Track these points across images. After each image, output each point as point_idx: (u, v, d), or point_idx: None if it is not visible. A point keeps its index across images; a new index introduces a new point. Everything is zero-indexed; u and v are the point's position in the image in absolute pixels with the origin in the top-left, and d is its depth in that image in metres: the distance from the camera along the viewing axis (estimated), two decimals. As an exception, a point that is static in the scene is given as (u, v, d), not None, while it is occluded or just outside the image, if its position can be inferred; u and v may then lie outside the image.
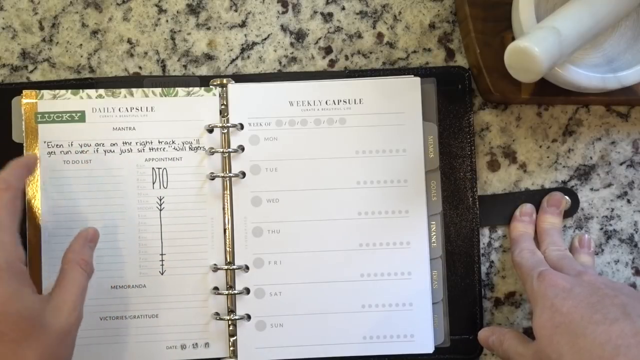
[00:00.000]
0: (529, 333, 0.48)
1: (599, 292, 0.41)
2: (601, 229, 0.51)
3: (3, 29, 0.50)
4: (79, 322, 0.41)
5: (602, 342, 0.37)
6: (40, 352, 0.38)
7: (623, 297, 0.40)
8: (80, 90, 0.48)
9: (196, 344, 0.48)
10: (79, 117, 0.48)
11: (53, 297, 0.41)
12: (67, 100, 0.48)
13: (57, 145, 0.48)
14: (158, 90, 0.48)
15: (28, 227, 0.47)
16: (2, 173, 0.42)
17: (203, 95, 0.49)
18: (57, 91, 0.48)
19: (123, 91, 0.48)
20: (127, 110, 0.48)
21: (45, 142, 0.48)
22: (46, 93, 0.48)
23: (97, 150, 0.48)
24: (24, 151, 0.48)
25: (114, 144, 0.48)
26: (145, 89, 0.48)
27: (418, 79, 0.49)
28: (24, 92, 0.48)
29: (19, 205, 0.41)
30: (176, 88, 0.49)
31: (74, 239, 0.44)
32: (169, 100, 0.48)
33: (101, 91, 0.48)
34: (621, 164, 0.51)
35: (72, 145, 0.48)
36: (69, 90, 0.48)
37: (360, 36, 0.51)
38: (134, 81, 0.49)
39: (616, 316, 0.38)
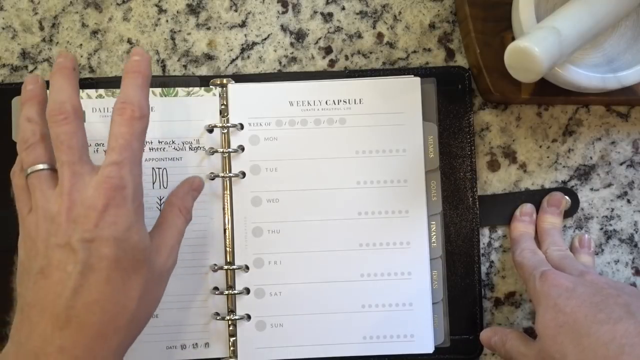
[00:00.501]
0: (529, 333, 0.48)
1: (602, 292, 0.41)
2: (601, 229, 0.51)
3: (3, 29, 0.50)
4: (174, 266, 0.42)
5: (607, 341, 0.37)
6: (143, 286, 0.39)
7: (626, 297, 0.40)
8: (80, 90, 0.48)
9: (196, 344, 0.48)
10: None
11: (154, 238, 0.41)
12: None
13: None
14: (158, 90, 0.48)
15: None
16: (132, 93, 0.40)
17: (203, 95, 0.49)
18: (57, 91, 0.48)
19: (123, 91, 0.48)
20: (127, 110, 0.48)
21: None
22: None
23: (97, 151, 0.48)
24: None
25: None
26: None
27: (418, 79, 0.49)
28: None
29: (146, 134, 0.40)
30: (176, 88, 0.49)
31: (179, 185, 0.45)
32: (169, 100, 0.48)
33: (101, 91, 0.48)
34: (621, 164, 0.51)
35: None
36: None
37: (360, 36, 0.51)
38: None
39: (620, 315, 0.38)
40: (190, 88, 0.49)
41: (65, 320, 0.36)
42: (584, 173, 0.51)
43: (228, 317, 0.48)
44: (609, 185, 0.51)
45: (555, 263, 0.46)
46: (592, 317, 0.39)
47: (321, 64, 0.51)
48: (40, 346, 0.36)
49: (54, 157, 0.40)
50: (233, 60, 0.51)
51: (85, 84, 0.49)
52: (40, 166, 0.40)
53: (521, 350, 0.43)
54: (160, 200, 0.48)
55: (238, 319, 0.48)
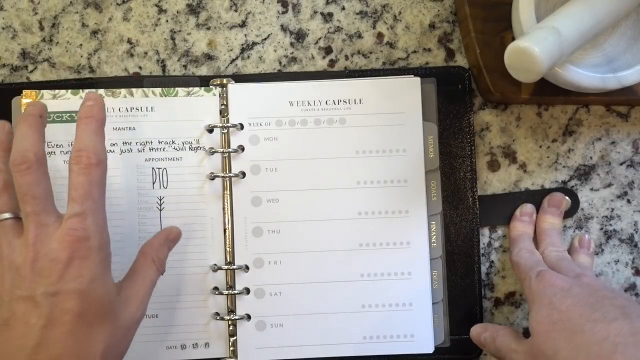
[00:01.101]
0: (528, 333, 0.48)
1: (598, 293, 0.41)
2: (601, 229, 0.51)
3: (3, 29, 0.50)
4: (142, 317, 0.41)
5: (600, 340, 0.37)
6: (108, 340, 0.38)
7: (622, 300, 0.40)
8: (80, 90, 0.48)
9: (196, 344, 0.48)
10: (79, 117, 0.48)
11: (123, 289, 0.41)
12: (67, 100, 0.48)
13: (57, 145, 0.48)
14: (158, 90, 0.48)
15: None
16: (87, 140, 0.39)
17: (203, 95, 0.49)
18: (57, 91, 0.48)
19: (123, 91, 0.48)
20: (127, 111, 0.48)
21: (45, 142, 0.48)
22: (46, 93, 0.48)
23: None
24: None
25: (114, 144, 0.48)
26: (145, 89, 0.48)
27: (418, 79, 0.49)
28: (24, 92, 0.48)
29: (105, 180, 0.40)
30: (176, 88, 0.49)
31: (156, 235, 0.45)
32: (169, 100, 0.48)
33: (101, 91, 0.48)
34: (621, 164, 0.51)
35: (72, 145, 0.48)
36: (69, 90, 0.48)
37: (360, 36, 0.51)
38: (134, 81, 0.49)
39: (615, 315, 0.38)
40: (190, 88, 0.49)
41: None
42: (584, 173, 0.51)
43: (228, 317, 0.48)
44: (609, 185, 0.51)
45: (552, 264, 0.46)
46: (587, 316, 0.39)
47: (321, 64, 0.51)
48: None
49: (18, 205, 0.39)
50: (233, 60, 0.51)
51: (85, 84, 0.49)
52: (5, 215, 0.39)
53: (512, 347, 0.43)
54: (160, 200, 0.48)
55: (238, 319, 0.48)
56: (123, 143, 0.48)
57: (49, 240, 0.37)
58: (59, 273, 0.37)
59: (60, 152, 0.48)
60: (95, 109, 0.41)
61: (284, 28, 0.51)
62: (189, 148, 0.48)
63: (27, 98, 0.48)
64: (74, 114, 0.48)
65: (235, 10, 0.51)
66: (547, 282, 0.42)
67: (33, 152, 0.39)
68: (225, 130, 0.49)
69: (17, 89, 0.49)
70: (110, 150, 0.48)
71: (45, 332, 0.36)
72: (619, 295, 0.41)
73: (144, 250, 0.44)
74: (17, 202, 0.39)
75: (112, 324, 0.39)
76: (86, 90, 0.48)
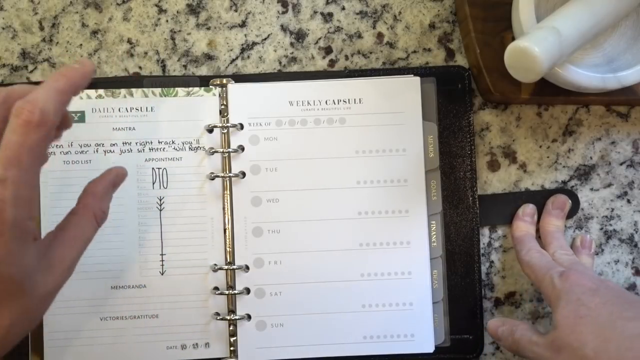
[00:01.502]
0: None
1: (627, 296, 0.41)
2: (601, 229, 0.51)
3: (3, 29, 0.50)
4: (66, 281, 0.37)
5: (632, 335, 0.37)
6: (16, 314, 0.34)
7: None
8: (80, 91, 0.48)
9: (196, 344, 0.48)
10: (79, 117, 0.48)
11: (51, 250, 0.36)
12: None
13: (57, 145, 0.48)
14: (158, 90, 0.48)
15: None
16: (40, 93, 0.33)
17: (203, 96, 0.49)
18: (56, 91, 0.48)
19: (123, 91, 0.48)
20: (127, 111, 0.48)
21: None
22: None
23: (97, 151, 0.48)
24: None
25: (113, 144, 0.48)
26: (145, 89, 0.48)
27: (418, 78, 0.49)
28: None
29: (47, 146, 0.34)
30: (176, 88, 0.49)
31: (99, 180, 0.39)
32: (169, 100, 0.48)
33: (101, 91, 0.48)
34: (621, 164, 0.51)
35: (72, 145, 0.48)
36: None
37: (360, 36, 0.51)
38: (133, 81, 0.49)
39: None
40: (190, 88, 0.49)
41: None
42: (584, 173, 0.51)
43: (228, 317, 0.48)
44: (609, 185, 0.51)
45: (565, 267, 0.45)
46: (618, 314, 0.39)
47: (321, 64, 0.51)
48: None
49: None
50: (233, 60, 0.51)
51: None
52: None
53: (533, 339, 0.42)
54: (160, 200, 0.48)
55: (238, 319, 0.48)
56: (123, 143, 0.48)
57: None
58: None
59: (60, 152, 0.48)
60: (74, 72, 0.35)
61: (284, 28, 0.51)
62: (189, 148, 0.48)
63: None
64: (73, 114, 0.48)
65: (235, 10, 0.51)
66: (574, 281, 0.42)
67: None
68: (225, 130, 0.49)
69: (17, 89, 0.48)
70: (110, 151, 0.48)
71: None
72: None
73: (85, 201, 0.38)
74: None
75: (25, 296, 0.34)
76: (86, 91, 0.48)
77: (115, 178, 0.40)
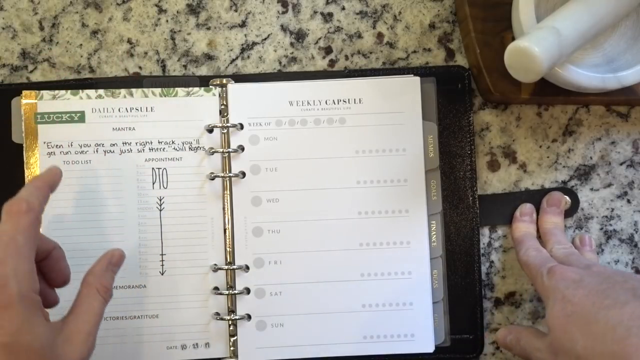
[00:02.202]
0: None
1: (609, 280, 0.41)
2: (601, 229, 0.51)
3: (3, 29, 0.50)
4: (91, 352, 0.39)
5: (614, 325, 0.37)
6: None
7: (633, 282, 0.40)
8: (80, 91, 0.48)
9: (196, 344, 0.48)
10: (79, 117, 0.48)
11: (66, 325, 0.38)
12: (67, 101, 0.48)
13: (56, 145, 0.48)
14: (158, 90, 0.48)
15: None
16: (24, 191, 0.38)
17: (203, 96, 0.49)
18: (56, 92, 0.48)
19: (123, 91, 0.48)
20: (127, 111, 0.48)
21: (45, 142, 0.48)
22: (46, 94, 0.48)
23: (97, 151, 0.48)
24: (24, 152, 0.48)
25: (113, 144, 0.48)
26: (145, 90, 0.48)
27: (418, 78, 0.49)
28: (24, 92, 0.48)
29: (38, 229, 0.38)
30: (176, 88, 0.49)
31: (97, 261, 0.42)
32: (169, 100, 0.48)
33: (101, 91, 0.48)
34: (621, 164, 0.51)
35: (72, 145, 0.48)
36: (69, 91, 0.48)
37: (360, 36, 0.51)
38: (133, 81, 0.49)
39: (627, 299, 0.39)
40: (190, 88, 0.49)
41: None
42: (584, 173, 0.51)
43: (228, 317, 0.48)
44: (609, 185, 0.51)
45: (561, 261, 0.45)
46: (599, 304, 0.39)
47: (321, 64, 0.51)
48: None
49: None
50: (233, 60, 0.51)
51: (85, 84, 0.49)
52: None
53: (535, 345, 0.43)
54: (160, 200, 0.48)
55: (238, 319, 0.48)
56: (123, 143, 0.48)
57: None
58: None
59: (60, 152, 0.48)
60: (48, 173, 0.40)
61: (284, 28, 0.51)
62: (189, 148, 0.48)
63: (26, 98, 0.48)
64: (73, 115, 0.48)
65: (235, 10, 0.51)
66: (559, 276, 0.42)
67: None
68: (225, 130, 0.49)
69: (17, 89, 0.49)
70: (110, 151, 0.48)
71: None
72: (630, 278, 0.41)
73: (87, 280, 0.41)
74: None
75: None
76: (86, 91, 0.48)
77: (110, 258, 0.42)
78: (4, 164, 0.48)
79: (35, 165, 0.48)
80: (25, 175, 0.48)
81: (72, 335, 0.38)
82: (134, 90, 0.48)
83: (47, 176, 0.40)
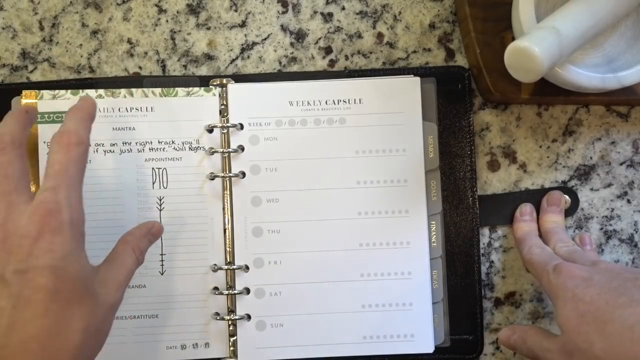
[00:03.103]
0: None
1: (619, 277, 0.40)
2: (601, 229, 0.51)
3: (3, 29, 0.50)
4: (120, 303, 0.40)
5: (632, 324, 0.37)
6: (87, 320, 0.36)
7: None
8: (80, 91, 0.48)
9: (196, 344, 0.48)
10: None
11: (101, 270, 0.39)
12: (67, 100, 0.48)
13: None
14: (158, 90, 0.48)
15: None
16: (71, 124, 0.39)
17: (203, 96, 0.49)
18: (57, 91, 0.48)
19: (123, 91, 0.48)
20: (127, 111, 0.48)
21: (45, 142, 0.48)
22: (46, 93, 0.48)
23: (97, 151, 0.48)
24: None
25: (113, 144, 0.48)
26: (145, 89, 0.48)
27: (418, 78, 0.49)
28: (24, 92, 0.48)
29: (86, 162, 0.39)
30: (176, 88, 0.49)
31: (138, 226, 0.44)
32: (169, 100, 0.48)
33: (101, 91, 0.48)
34: (621, 164, 0.51)
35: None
36: (69, 91, 0.48)
37: (360, 36, 0.51)
38: (133, 81, 0.49)
39: None
40: (190, 88, 0.49)
41: None
42: (584, 173, 0.51)
43: (228, 317, 0.48)
44: (609, 185, 0.51)
45: (565, 258, 0.45)
46: (614, 302, 0.39)
47: (321, 64, 0.51)
48: None
49: None
50: (233, 60, 0.51)
51: (85, 84, 0.49)
52: None
53: (544, 346, 0.42)
54: (160, 200, 0.48)
55: (238, 319, 0.48)
56: (123, 143, 0.48)
57: (19, 217, 0.36)
58: (28, 249, 0.35)
59: (60, 152, 0.48)
60: (86, 104, 0.41)
61: (284, 28, 0.51)
62: (189, 148, 0.48)
63: (26, 98, 0.48)
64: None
65: (235, 10, 0.51)
66: (567, 274, 0.42)
67: (10, 135, 0.38)
68: (225, 130, 0.49)
69: (17, 89, 0.49)
70: (110, 151, 0.48)
71: (16, 313, 0.34)
72: (636, 272, 0.41)
73: (125, 238, 0.42)
74: None
75: (91, 302, 0.36)
76: (86, 91, 0.48)
77: (151, 228, 0.44)
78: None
79: (35, 165, 0.48)
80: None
81: (107, 280, 0.39)
82: (134, 90, 0.48)
83: (87, 107, 0.41)
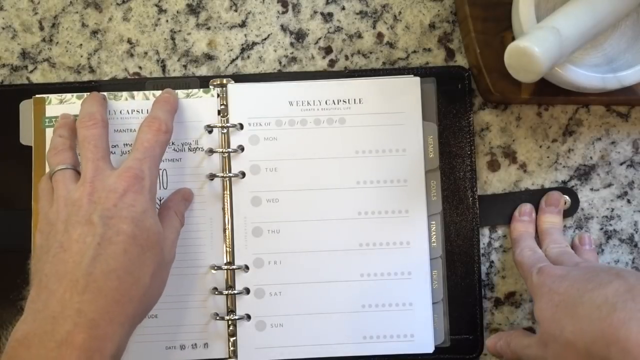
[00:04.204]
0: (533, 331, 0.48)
1: (595, 271, 0.41)
2: (601, 229, 0.51)
3: (3, 29, 0.50)
4: (173, 260, 0.45)
5: (599, 304, 0.38)
6: (156, 266, 0.41)
7: (617, 269, 0.41)
8: (85, 95, 0.48)
9: (195, 344, 0.48)
10: None
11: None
12: (73, 105, 0.48)
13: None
14: (158, 92, 0.48)
15: (34, 230, 0.48)
16: (160, 113, 0.45)
17: (201, 97, 0.49)
18: (63, 96, 0.48)
19: (124, 94, 0.48)
20: (128, 113, 0.48)
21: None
22: (54, 98, 0.48)
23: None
24: (33, 156, 0.48)
25: (115, 146, 0.48)
26: (146, 92, 0.48)
27: (418, 78, 0.49)
28: (34, 97, 0.48)
29: (166, 147, 0.45)
30: (175, 90, 0.48)
31: (172, 194, 0.48)
32: (168, 101, 0.48)
33: (103, 94, 0.48)
34: (621, 164, 0.51)
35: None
36: (74, 95, 0.48)
37: (360, 36, 0.51)
38: (135, 83, 0.49)
39: (610, 279, 0.39)
40: (189, 90, 0.49)
41: (84, 285, 0.38)
42: (584, 173, 0.51)
43: (228, 317, 0.48)
44: (609, 185, 0.51)
45: (553, 259, 0.46)
46: (584, 289, 0.39)
47: (321, 64, 0.51)
48: (59, 310, 0.37)
49: (78, 164, 0.44)
50: (233, 60, 0.51)
51: (88, 87, 0.49)
52: (65, 166, 0.44)
53: (524, 343, 0.43)
54: (161, 201, 0.48)
55: (238, 319, 0.48)
56: (124, 145, 0.48)
57: (106, 177, 0.42)
58: (114, 201, 0.40)
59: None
60: (172, 98, 0.47)
61: (284, 28, 0.51)
62: (188, 149, 0.48)
63: (37, 104, 0.48)
64: (76, 117, 0.48)
65: (235, 10, 0.51)
66: (547, 274, 0.43)
67: (100, 115, 0.45)
68: (225, 130, 0.49)
69: (17, 90, 0.49)
70: (112, 152, 0.48)
71: (100, 248, 0.39)
72: (615, 268, 0.41)
73: (167, 204, 0.47)
74: (77, 160, 0.44)
75: (159, 252, 0.42)
76: (85, 94, 0.48)
77: (184, 194, 0.48)
78: (12, 166, 0.49)
79: (43, 167, 0.48)
80: (32, 178, 0.48)
81: (166, 239, 0.44)
82: (135, 93, 0.48)
83: (173, 101, 0.47)
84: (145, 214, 0.41)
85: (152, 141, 0.43)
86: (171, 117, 0.46)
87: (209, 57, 0.51)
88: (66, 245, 0.39)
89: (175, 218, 0.46)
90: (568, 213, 0.50)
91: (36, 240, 0.42)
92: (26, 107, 0.49)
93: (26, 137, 0.49)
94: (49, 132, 0.48)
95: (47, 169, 0.48)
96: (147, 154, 0.43)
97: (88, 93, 0.48)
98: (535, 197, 0.50)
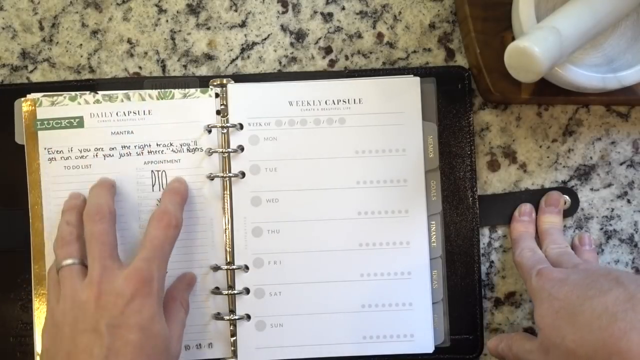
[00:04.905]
0: (530, 333, 0.48)
1: (594, 274, 0.41)
2: (601, 229, 0.51)
3: (3, 29, 0.50)
4: (180, 353, 0.44)
5: (600, 313, 0.38)
6: None
7: (616, 273, 0.40)
8: (78, 96, 0.48)
9: (200, 344, 0.48)
10: (78, 122, 0.48)
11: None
12: (65, 107, 0.48)
13: (57, 151, 0.48)
14: (155, 93, 0.48)
15: (31, 233, 0.48)
16: (170, 206, 0.45)
17: (199, 97, 0.48)
18: (54, 97, 0.48)
19: (120, 95, 0.48)
20: (125, 115, 0.48)
21: (45, 148, 0.48)
22: (44, 100, 0.48)
23: (96, 155, 0.48)
24: (26, 159, 0.48)
25: (112, 148, 0.48)
26: (142, 93, 0.48)
27: (418, 78, 0.49)
28: (24, 99, 0.48)
29: (176, 240, 0.45)
30: (172, 91, 0.48)
31: (178, 280, 0.48)
32: (166, 102, 0.48)
33: (98, 96, 0.48)
34: (621, 164, 0.51)
35: (72, 150, 0.48)
36: (67, 97, 0.48)
37: (360, 36, 0.51)
38: (134, 82, 0.49)
39: (610, 287, 0.39)
40: (187, 90, 0.48)
41: None
42: (584, 173, 0.51)
43: (228, 317, 0.48)
44: (609, 185, 0.51)
45: (553, 260, 0.46)
46: (584, 295, 0.39)
47: (321, 64, 0.51)
48: None
49: (86, 256, 0.43)
50: (233, 60, 0.51)
51: (85, 85, 0.49)
52: (72, 260, 0.43)
53: (526, 348, 0.43)
54: (159, 202, 0.48)
55: (238, 319, 0.48)
56: (122, 147, 0.48)
57: (114, 279, 0.41)
58: (121, 307, 0.40)
59: (61, 157, 0.48)
60: (182, 188, 0.47)
61: (284, 28, 0.51)
62: (187, 150, 0.48)
63: (26, 105, 0.48)
64: (72, 120, 0.48)
65: (235, 10, 0.51)
66: (546, 277, 0.43)
67: (107, 207, 0.44)
68: (225, 131, 0.49)
69: (17, 90, 0.49)
70: (110, 155, 0.48)
71: None
72: (613, 271, 0.41)
73: (172, 294, 0.46)
74: (84, 253, 0.43)
75: (166, 356, 0.42)
76: (86, 93, 0.48)
77: (189, 280, 0.48)
78: (6, 165, 0.49)
79: (37, 171, 0.48)
80: (27, 180, 0.48)
81: (172, 336, 0.43)
82: (130, 94, 0.48)
83: (183, 192, 0.47)
84: (153, 319, 0.41)
85: (162, 238, 0.43)
86: (181, 208, 0.46)
87: (209, 57, 0.51)
88: (73, 355, 0.39)
89: (180, 309, 0.46)
90: (568, 213, 0.50)
91: (43, 342, 0.42)
92: (20, 107, 0.49)
93: (21, 136, 0.48)
94: (42, 134, 0.48)
95: (40, 176, 0.48)
96: (156, 253, 0.42)
97: (81, 92, 0.48)
98: (535, 197, 0.50)
